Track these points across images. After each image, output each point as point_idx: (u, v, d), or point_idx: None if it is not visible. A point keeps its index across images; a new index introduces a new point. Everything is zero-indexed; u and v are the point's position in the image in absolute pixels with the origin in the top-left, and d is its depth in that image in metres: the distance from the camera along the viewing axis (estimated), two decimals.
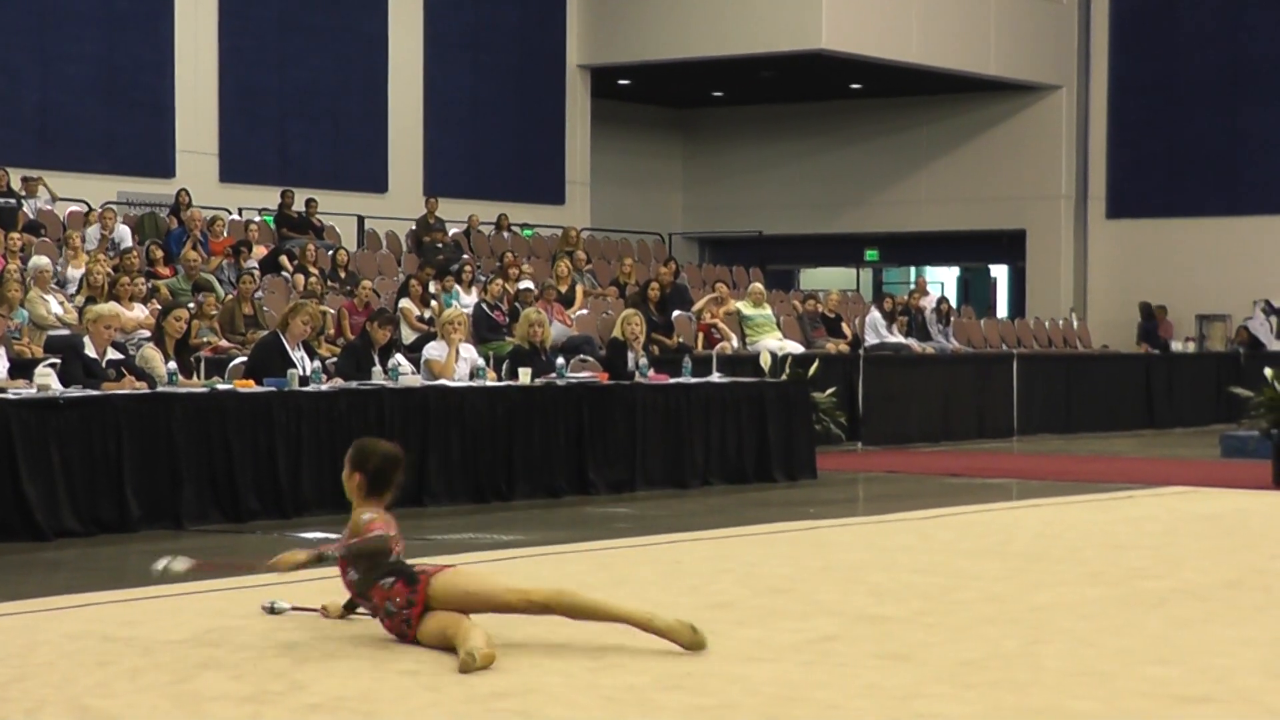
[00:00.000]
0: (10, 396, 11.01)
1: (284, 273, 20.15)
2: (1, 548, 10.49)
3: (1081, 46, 31.40)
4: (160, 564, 7.11)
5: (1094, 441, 21.83)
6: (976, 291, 34.38)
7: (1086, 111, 31.43)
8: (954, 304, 27.12)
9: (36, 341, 15.03)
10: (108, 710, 5.93)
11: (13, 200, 20.25)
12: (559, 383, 14.24)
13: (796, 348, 20.18)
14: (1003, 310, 33.01)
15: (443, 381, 13.77)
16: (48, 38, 23.31)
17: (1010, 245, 32.51)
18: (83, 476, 11.12)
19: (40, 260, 16.70)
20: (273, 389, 12.34)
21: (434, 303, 19.06)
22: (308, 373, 12.77)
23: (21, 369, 12.23)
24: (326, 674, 6.50)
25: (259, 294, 18.13)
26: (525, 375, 14.09)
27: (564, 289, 20.63)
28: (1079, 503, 13.76)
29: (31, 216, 20.42)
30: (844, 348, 21.29)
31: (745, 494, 14.61)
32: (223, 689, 6.24)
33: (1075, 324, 28.86)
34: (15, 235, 18.46)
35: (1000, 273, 34.74)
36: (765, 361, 17.30)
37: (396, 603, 7.03)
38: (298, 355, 13.00)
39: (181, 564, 7.13)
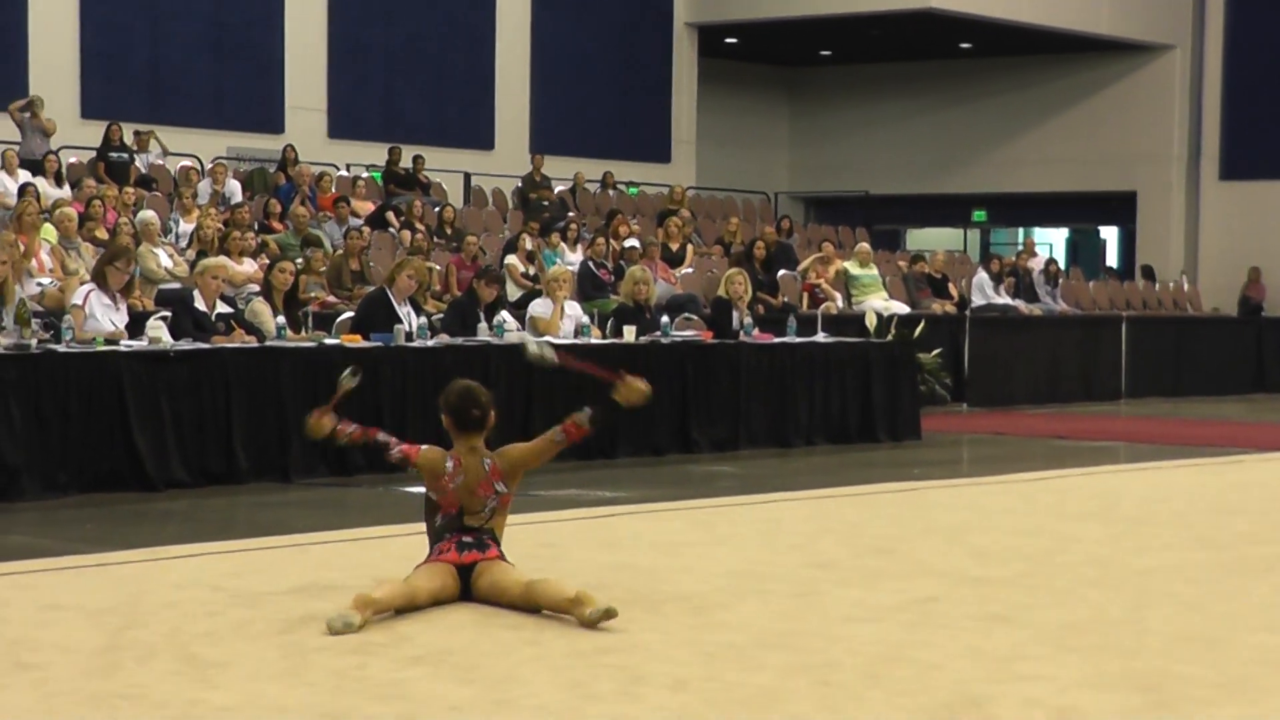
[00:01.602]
0: (122, 348, 11.17)
1: (390, 229, 20.26)
2: (112, 498, 10.66)
3: (1196, 5, 30.89)
4: (534, 349, 7.74)
5: (1202, 405, 21.58)
6: (1085, 253, 34.02)
7: (1200, 71, 30.95)
8: (1062, 265, 26.84)
9: (147, 295, 15.20)
10: (215, 658, 6.02)
11: (125, 154, 20.50)
12: (663, 341, 14.25)
13: (902, 308, 20.08)
14: None
15: (548, 338, 13.80)
16: None
17: (1120, 207, 32.13)
18: (192, 428, 11.26)
19: (147, 214, 16.87)
20: (379, 344, 12.43)
21: (536, 259, 19.12)
22: (413, 329, 12.84)
23: (133, 322, 12.38)
24: (430, 627, 6.56)
25: (366, 250, 18.24)
26: (630, 333, 14.10)
27: (675, 247, 20.62)
28: (1186, 467, 13.62)
29: (144, 170, 20.67)
30: (950, 308, 21.16)
31: (849, 454, 14.57)
32: (328, 640, 6.31)
33: (1186, 286, 28.51)
34: (129, 189, 18.68)
35: (1110, 234, 34.36)
36: (870, 322, 17.22)
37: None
38: (404, 311, 13.08)
39: (550, 352, 7.78)
